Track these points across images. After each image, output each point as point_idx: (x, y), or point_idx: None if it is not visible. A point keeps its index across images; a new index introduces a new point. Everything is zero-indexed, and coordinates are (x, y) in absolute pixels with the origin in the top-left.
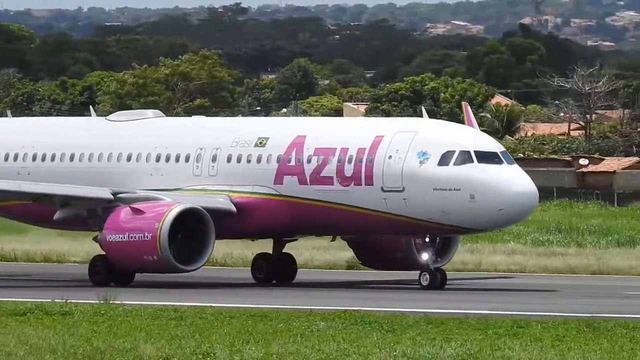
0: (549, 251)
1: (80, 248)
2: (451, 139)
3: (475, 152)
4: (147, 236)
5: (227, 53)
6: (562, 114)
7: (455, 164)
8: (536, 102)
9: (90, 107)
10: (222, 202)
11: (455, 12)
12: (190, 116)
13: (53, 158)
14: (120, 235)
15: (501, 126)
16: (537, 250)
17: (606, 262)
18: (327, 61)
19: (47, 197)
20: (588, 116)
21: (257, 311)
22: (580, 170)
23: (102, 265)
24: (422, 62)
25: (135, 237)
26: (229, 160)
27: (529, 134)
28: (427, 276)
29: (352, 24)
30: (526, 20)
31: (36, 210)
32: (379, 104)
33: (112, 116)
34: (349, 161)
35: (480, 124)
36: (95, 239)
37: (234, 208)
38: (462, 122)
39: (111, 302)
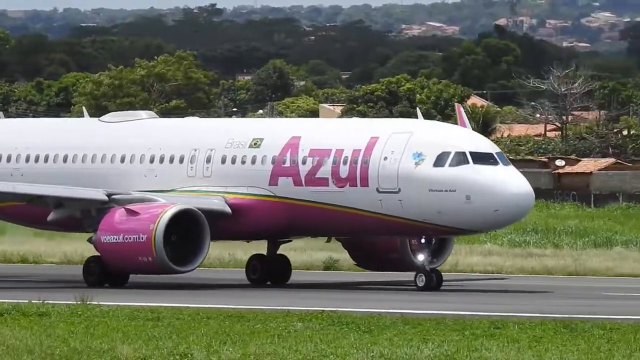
0: (526, 252)
1: (57, 249)
2: (446, 140)
3: (471, 153)
4: (142, 237)
5: (202, 54)
6: (538, 115)
7: (450, 165)
8: (512, 103)
9: (83, 108)
10: (217, 203)
11: (431, 13)
12: (165, 117)
13: (46, 159)
14: (115, 237)
15: (477, 127)
16: (514, 251)
17: (583, 263)
18: (302, 62)
19: (41, 198)
20: (564, 117)
21: (234, 312)
22: (557, 171)
23: (97, 266)
24: (398, 63)
25: (130, 238)
26: (223, 161)
27: (505, 135)
28: (423, 277)
29: (327, 25)
30: (501, 21)
31: (30, 211)
32: (354, 105)
33: (105, 117)
34: (344, 162)
35: None
36: (89, 240)
37: (228, 209)
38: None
39: (88, 303)
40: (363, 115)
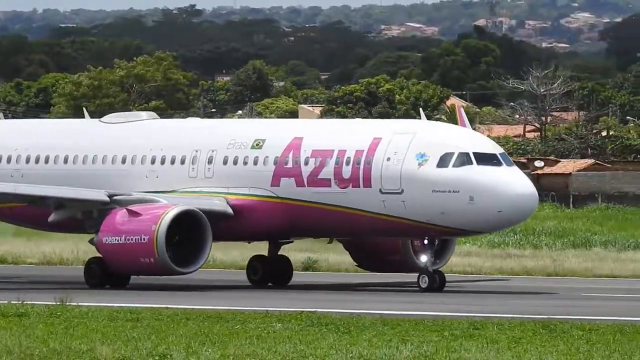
0: (505, 253)
1: (36, 250)
2: (450, 140)
3: (474, 153)
4: (144, 238)
5: (182, 55)
6: (517, 116)
7: (454, 165)
8: (491, 104)
9: (84, 109)
10: (219, 204)
11: (410, 14)
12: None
13: (47, 160)
14: (117, 238)
15: None
16: (493, 252)
17: (562, 264)
18: (282, 63)
19: (42, 199)
20: (543, 118)
21: (214, 313)
22: (536, 172)
23: (98, 267)
24: (377, 64)
25: (132, 239)
26: (225, 162)
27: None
28: (426, 278)
29: (306, 25)
30: (481, 22)
31: (30, 212)
32: (334, 106)
33: (106, 118)
34: (347, 163)
35: None
36: (91, 242)
37: (230, 210)
38: None
39: (67, 303)
40: (342, 116)
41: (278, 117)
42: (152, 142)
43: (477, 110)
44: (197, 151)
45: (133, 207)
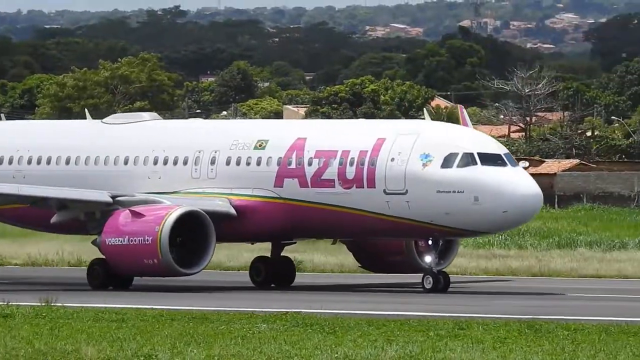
0: (490, 253)
1: (22, 251)
2: (454, 141)
3: (479, 154)
4: (147, 239)
5: (166, 56)
6: (502, 117)
7: (458, 166)
8: (476, 105)
9: (85, 110)
10: (222, 205)
11: (395, 14)
12: None
13: (49, 161)
14: (120, 239)
15: None
16: (478, 252)
17: (547, 264)
18: (266, 64)
19: (45, 200)
20: (528, 118)
21: (199, 313)
22: None
23: (101, 269)
24: (362, 65)
25: (135, 240)
26: (228, 163)
27: None
28: (430, 279)
29: (291, 26)
30: (465, 23)
31: (33, 214)
32: (318, 107)
33: (108, 119)
34: (351, 164)
35: None
36: (94, 243)
37: (233, 211)
38: None
39: (52, 304)
40: (327, 116)
41: (262, 118)
42: (155, 142)
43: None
44: (199, 152)
45: (136, 208)
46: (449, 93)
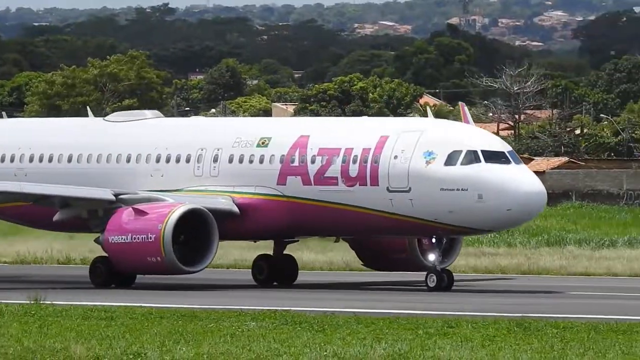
0: (479, 251)
1: (10, 248)
2: (457, 138)
3: (482, 151)
4: (150, 237)
5: (155, 54)
6: (491, 114)
7: (462, 163)
8: (464, 102)
9: (87, 107)
10: (225, 202)
11: (383, 12)
12: None
13: (51, 159)
14: (123, 237)
15: None
16: (467, 250)
17: (536, 262)
18: (255, 61)
19: (48, 198)
20: (517, 116)
21: (188, 311)
22: None
23: (103, 267)
24: (350, 62)
25: (138, 238)
26: (230, 160)
27: None
28: (434, 277)
29: (280, 24)
30: (454, 20)
31: (35, 212)
32: (307, 105)
33: (110, 117)
34: (354, 161)
35: None
36: (96, 241)
37: (236, 209)
38: None
39: (41, 302)
40: (316, 114)
41: (251, 116)
42: (157, 140)
43: (451, 108)
44: (202, 149)
45: (139, 206)
46: (437, 91)
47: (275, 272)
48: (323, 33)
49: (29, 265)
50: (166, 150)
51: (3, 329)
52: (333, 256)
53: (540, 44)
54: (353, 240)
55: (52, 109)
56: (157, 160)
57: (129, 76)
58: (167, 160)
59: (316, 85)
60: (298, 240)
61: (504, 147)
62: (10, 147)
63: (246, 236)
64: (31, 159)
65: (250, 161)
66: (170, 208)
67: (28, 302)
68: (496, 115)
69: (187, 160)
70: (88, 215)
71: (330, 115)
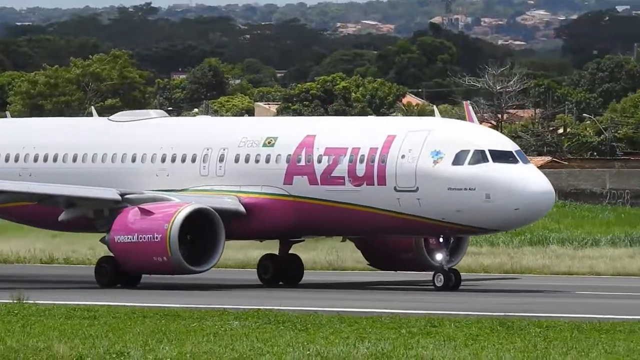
0: None
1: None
2: (465, 138)
3: (490, 151)
4: (156, 237)
5: (138, 53)
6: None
7: (469, 163)
8: (447, 102)
9: (92, 107)
10: (231, 202)
11: (366, 11)
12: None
13: (55, 159)
14: (129, 237)
15: None
16: None
17: (519, 261)
18: (237, 61)
19: (54, 198)
20: (499, 115)
21: (170, 310)
22: None
23: (109, 266)
24: (333, 62)
25: (144, 238)
26: (236, 160)
27: None
28: (442, 277)
29: (262, 23)
30: (437, 20)
31: (40, 212)
32: (290, 104)
33: (114, 116)
34: (361, 161)
35: None
36: (102, 240)
37: (242, 209)
38: None
39: (24, 301)
40: (299, 113)
41: (233, 116)
42: (163, 140)
43: (434, 108)
44: (208, 149)
45: (145, 206)
46: (420, 90)
47: (281, 272)
48: (306, 32)
49: (12, 264)
50: (172, 149)
51: None
52: (315, 255)
53: (522, 43)
54: (359, 239)
55: (35, 109)
56: (163, 160)
57: (111, 76)
58: (173, 160)
59: (299, 85)
60: (304, 240)
61: (512, 146)
62: (15, 147)
63: (252, 236)
64: (36, 159)
65: (257, 161)
66: (176, 208)
67: (11, 301)
68: (479, 115)
69: (193, 160)
70: (94, 215)
71: (313, 115)
